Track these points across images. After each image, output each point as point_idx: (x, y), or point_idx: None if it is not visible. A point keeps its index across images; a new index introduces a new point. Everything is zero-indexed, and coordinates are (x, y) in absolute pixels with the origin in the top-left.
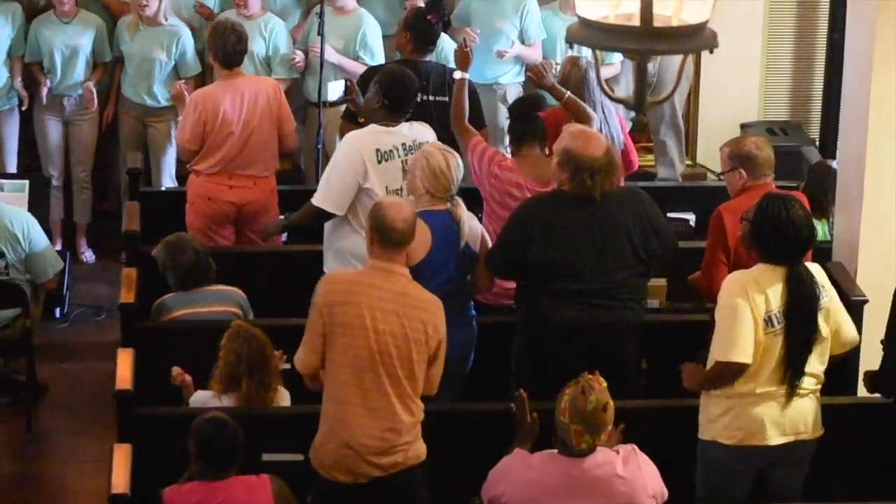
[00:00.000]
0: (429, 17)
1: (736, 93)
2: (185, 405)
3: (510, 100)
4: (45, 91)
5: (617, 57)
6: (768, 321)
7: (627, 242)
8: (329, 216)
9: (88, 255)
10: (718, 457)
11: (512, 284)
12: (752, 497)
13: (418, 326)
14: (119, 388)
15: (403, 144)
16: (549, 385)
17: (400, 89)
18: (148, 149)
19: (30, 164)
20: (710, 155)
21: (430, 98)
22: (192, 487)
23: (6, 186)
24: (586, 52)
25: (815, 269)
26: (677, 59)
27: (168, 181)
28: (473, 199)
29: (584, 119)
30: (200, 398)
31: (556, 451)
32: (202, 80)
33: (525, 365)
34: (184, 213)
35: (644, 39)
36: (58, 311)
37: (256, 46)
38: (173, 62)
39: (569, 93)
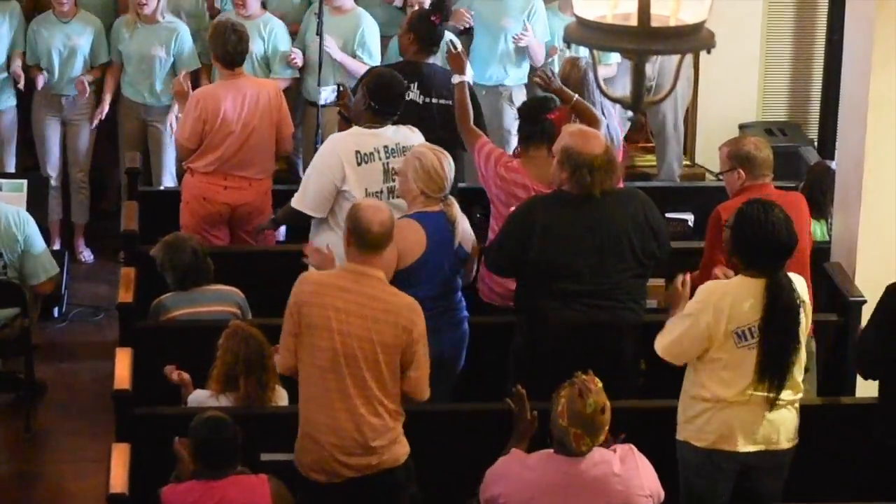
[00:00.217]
0: (433, 18)
1: (735, 93)
2: (183, 403)
3: (516, 100)
4: (41, 81)
5: (614, 58)
6: (741, 335)
7: (627, 243)
8: (309, 217)
9: (87, 255)
10: (691, 458)
11: None
12: (735, 500)
13: (386, 329)
14: (117, 388)
15: (386, 147)
16: (547, 385)
17: (386, 92)
18: (149, 148)
19: (28, 163)
20: (708, 155)
21: (434, 101)
22: (189, 486)
23: (4, 186)
24: (583, 52)
25: (799, 282)
26: (676, 60)
27: (169, 180)
28: (472, 199)
29: (592, 122)
30: (198, 398)
31: (552, 450)
32: (196, 80)
33: (523, 365)
34: None
35: (641, 39)
36: (56, 310)
37: (255, 47)
38: (172, 59)
39: (577, 96)
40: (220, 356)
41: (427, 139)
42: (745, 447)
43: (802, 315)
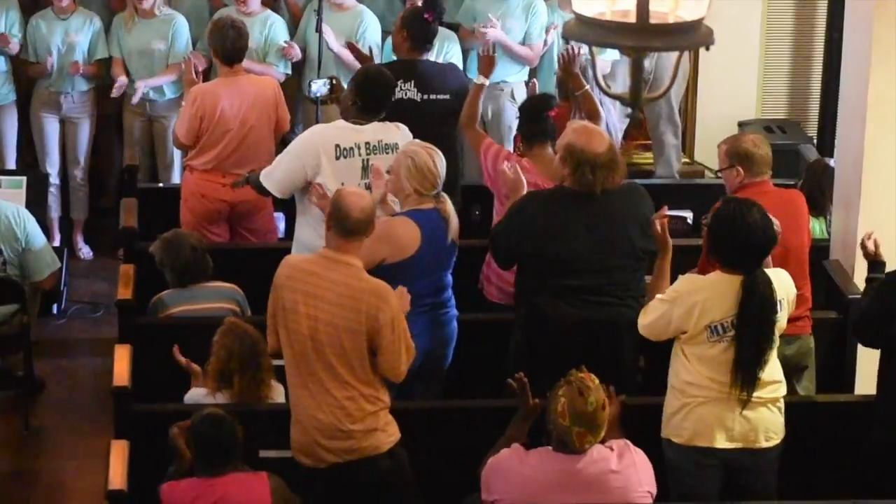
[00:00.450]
0: (426, 16)
1: (734, 90)
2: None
3: (517, 97)
4: (49, 63)
5: (609, 55)
6: (714, 330)
7: (626, 240)
8: (269, 193)
9: (86, 252)
10: (671, 454)
11: None
12: (728, 499)
13: (351, 315)
14: (116, 385)
15: (367, 143)
16: (545, 380)
17: (373, 89)
18: (154, 144)
19: (28, 160)
20: (707, 152)
21: (433, 97)
22: (190, 483)
23: (4, 183)
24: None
25: (783, 278)
26: (674, 57)
27: (177, 177)
28: (472, 197)
29: (594, 114)
30: (194, 396)
31: (550, 448)
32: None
33: (522, 360)
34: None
35: (640, 36)
36: (55, 307)
37: (255, 44)
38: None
39: (587, 86)
40: (215, 353)
41: (429, 135)
42: (722, 444)
43: (781, 312)
